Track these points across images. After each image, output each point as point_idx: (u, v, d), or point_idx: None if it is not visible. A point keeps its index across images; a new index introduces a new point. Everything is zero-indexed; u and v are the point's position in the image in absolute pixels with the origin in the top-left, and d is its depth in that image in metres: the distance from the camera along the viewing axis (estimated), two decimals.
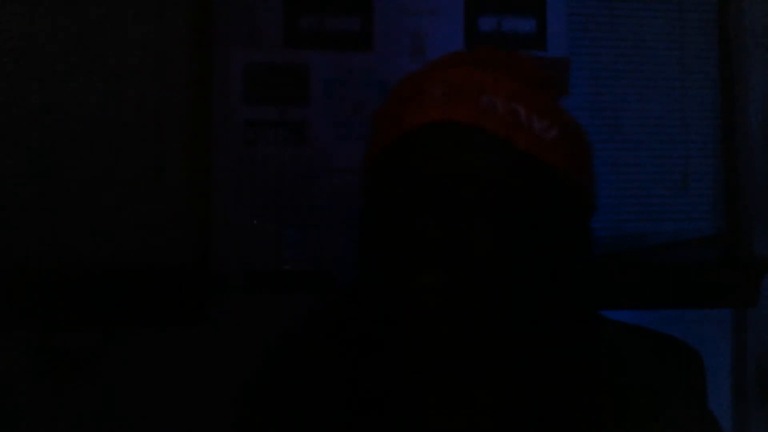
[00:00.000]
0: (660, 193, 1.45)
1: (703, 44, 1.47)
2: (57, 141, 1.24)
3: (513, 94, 0.58)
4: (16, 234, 1.22)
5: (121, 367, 1.21)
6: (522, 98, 0.59)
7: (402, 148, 0.58)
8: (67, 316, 1.19)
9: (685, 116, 1.46)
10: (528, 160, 0.57)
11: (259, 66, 1.29)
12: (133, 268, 1.23)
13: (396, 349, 0.59)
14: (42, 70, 1.24)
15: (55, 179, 1.24)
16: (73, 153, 1.24)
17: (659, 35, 1.45)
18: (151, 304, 1.22)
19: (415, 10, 1.34)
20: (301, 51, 1.30)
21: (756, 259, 1.44)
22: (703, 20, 1.47)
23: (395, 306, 0.56)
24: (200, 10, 1.27)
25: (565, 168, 0.59)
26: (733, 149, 1.46)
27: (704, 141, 1.46)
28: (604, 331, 0.65)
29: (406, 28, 1.33)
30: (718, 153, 1.47)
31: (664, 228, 1.44)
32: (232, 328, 1.23)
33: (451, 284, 0.54)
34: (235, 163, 1.28)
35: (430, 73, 0.62)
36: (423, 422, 0.59)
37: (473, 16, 1.36)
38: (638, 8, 1.45)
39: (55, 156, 1.24)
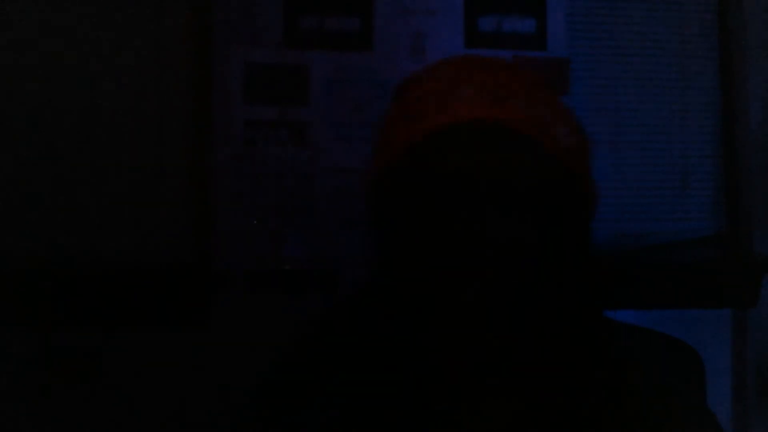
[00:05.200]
0: (660, 193, 1.45)
1: (703, 44, 1.47)
2: (57, 141, 1.24)
3: (537, 98, 0.59)
4: (16, 234, 1.22)
5: (122, 367, 1.21)
6: (546, 103, 0.60)
7: (433, 146, 0.57)
8: (67, 316, 1.19)
9: (685, 116, 1.46)
10: (552, 163, 0.58)
11: (259, 66, 1.29)
12: (134, 268, 1.23)
13: (424, 348, 0.59)
14: (42, 70, 1.24)
15: (55, 179, 1.24)
16: (73, 153, 1.24)
17: (659, 36, 1.45)
18: (152, 304, 1.22)
19: (415, 10, 1.34)
20: (301, 51, 1.30)
21: (756, 259, 1.44)
22: (703, 20, 1.47)
23: (435, 303, 0.56)
24: (200, 10, 1.28)
25: (580, 172, 0.60)
26: (733, 149, 1.46)
27: (704, 141, 1.47)
28: (609, 331, 0.65)
29: (406, 28, 1.33)
30: (718, 153, 1.47)
31: (664, 228, 1.44)
32: (232, 327, 1.23)
33: (497, 282, 0.54)
34: (235, 163, 1.28)
35: (453, 73, 0.61)
36: (437, 421, 0.59)
37: (473, 16, 1.36)
38: (638, 8, 1.45)
39: (55, 156, 1.24)
